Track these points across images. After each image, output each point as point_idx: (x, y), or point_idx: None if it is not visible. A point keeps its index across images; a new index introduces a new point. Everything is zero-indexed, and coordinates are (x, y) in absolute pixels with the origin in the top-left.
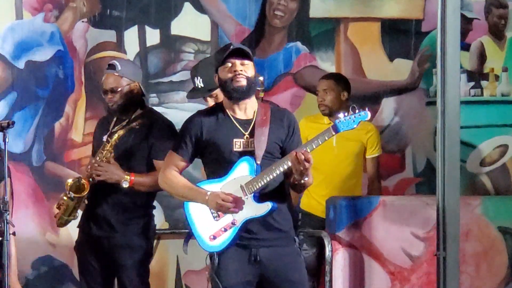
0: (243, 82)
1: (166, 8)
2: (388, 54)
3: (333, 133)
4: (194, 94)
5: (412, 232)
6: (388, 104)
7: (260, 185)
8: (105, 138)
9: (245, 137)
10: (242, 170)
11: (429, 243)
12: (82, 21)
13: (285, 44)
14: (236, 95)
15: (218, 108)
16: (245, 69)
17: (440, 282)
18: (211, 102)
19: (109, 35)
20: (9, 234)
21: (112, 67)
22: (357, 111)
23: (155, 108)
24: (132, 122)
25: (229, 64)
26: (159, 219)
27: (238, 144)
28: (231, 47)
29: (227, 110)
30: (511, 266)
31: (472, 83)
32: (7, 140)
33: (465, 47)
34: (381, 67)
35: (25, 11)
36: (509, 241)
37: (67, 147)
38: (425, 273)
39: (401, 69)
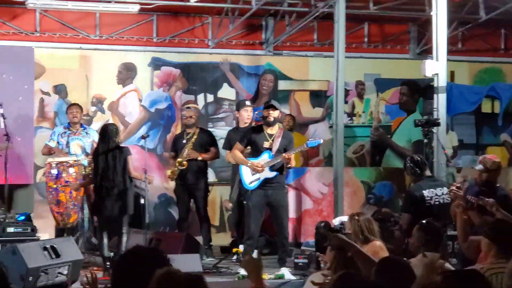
0: (272, 119)
1: (216, 85)
2: (312, 105)
3: (306, 147)
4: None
5: (323, 182)
6: (312, 128)
7: (272, 163)
8: (184, 141)
9: (269, 142)
10: (265, 156)
11: (330, 188)
12: (179, 91)
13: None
14: (268, 124)
15: (260, 127)
16: (273, 114)
17: (336, 205)
18: (243, 113)
19: (190, 97)
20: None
21: (189, 107)
22: (317, 138)
23: (210, 129)
24: (195, 133)
25: (266, 111)
26: (211, 176)
27: (266, 144)
28: (267, 103)
29: (264, 128)
30: (366, 197)
31: (349, 118)
32: (146, 142)
33: (346, 102)
34: (309, 112)
35: (155, 86)
36: (365, 187)
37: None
38: (329, 200)
39: (318, 112)
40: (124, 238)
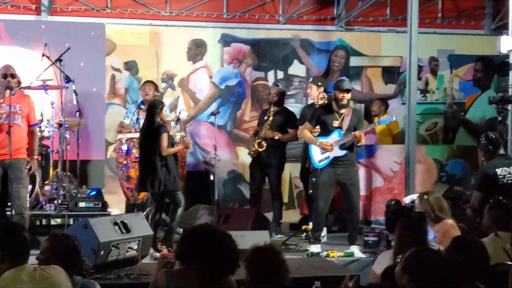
0: (345, 102)
1: (286, 62)
2: (385, 82)
3: (377, 124)
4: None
5: (394, 160)
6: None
7: (342, 142)
8: (266, 117)
9: (339, 121)
10: (335, 135)
11: (402, 165)
12: (249, 67)
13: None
14: (341, 107)
15: (329, 106)
16: (347, 97)
17: (407, 183)
18: (311, 91)
19: (260, 74)
20: (217, 160)
21: (277, 84)
22: (388, 116)
23: None
24: (276, 111)
25: (340, 93)
26: None
27: (335, 123)
28: (343, 86)
29: (333, 106)
30: (438, 175)
31: (422, 95)
32: (216, 119)
33: (419, 79)
34: (381, 88)
35: (225, 63)
36: (437, 165)
37: (242, 122)
38: (400, 178)
39: (390, 88)
40: (176, 214)
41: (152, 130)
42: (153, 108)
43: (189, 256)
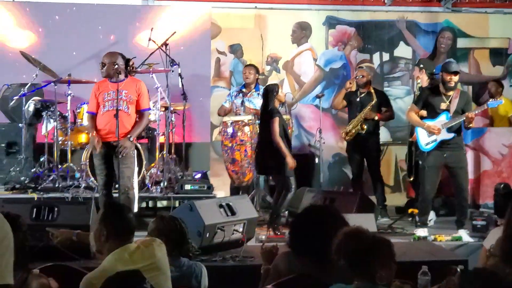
0: (453, 84)
1: (392, 44)
2: (492, 64)
3: (486, 107)
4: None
5: (502, 143)
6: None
7: (450, 124)
8: (358, 99)
9: (446, 103)
10: (443, 117)
11: (510, 149)
12: (354, 50)
13: (445, 60)
14: (448, 89)
15: (436, 88)
16: (454, 79)
17: None
18: (421, 75)
19: (365, 56)
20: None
21: (361, 67)
22: (498, 98)
23: (386, 89)
24: (371, 93)
25: (448, 75)
26: (387, 136)
27: (443, 106)
28: (451, 68)
29: (440, 89)
30: None
31: None
32: (321, 102)
33: None
34: (489, 70)
35: (329, 45)
36: None
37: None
38: (509, 161)
39: (498, 70)
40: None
41: (266, 114)
42: (268, 92)
43: (301, 245)
